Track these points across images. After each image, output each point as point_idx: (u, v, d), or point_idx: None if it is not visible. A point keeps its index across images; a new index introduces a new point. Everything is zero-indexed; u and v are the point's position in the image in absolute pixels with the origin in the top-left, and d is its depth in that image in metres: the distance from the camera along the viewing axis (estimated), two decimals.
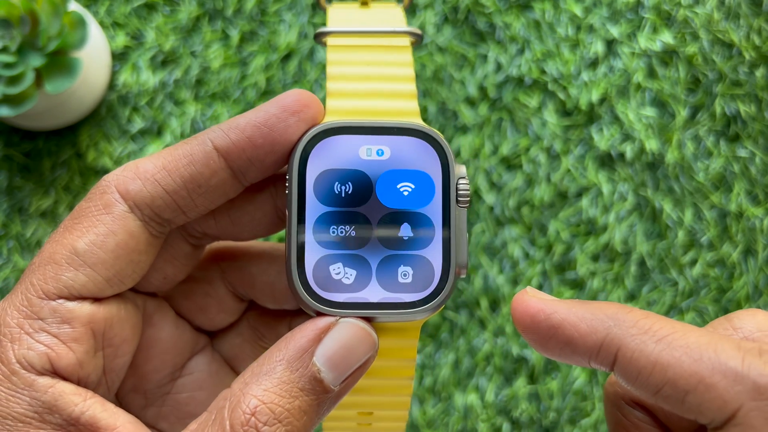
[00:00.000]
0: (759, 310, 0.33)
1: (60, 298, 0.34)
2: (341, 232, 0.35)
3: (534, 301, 0.33)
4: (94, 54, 0.64)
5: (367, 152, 0.35)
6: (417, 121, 0.36)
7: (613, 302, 0.32)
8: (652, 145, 0.65)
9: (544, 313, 0.32)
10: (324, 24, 0.66)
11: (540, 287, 0.64)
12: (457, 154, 0.65)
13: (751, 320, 0.33)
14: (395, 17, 0.39)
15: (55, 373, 0.33)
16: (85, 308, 0.34)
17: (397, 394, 0.38)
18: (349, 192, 0.35)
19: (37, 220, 0.65)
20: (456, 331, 0.64)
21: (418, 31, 0.38)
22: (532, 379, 0.64)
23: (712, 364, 0.29)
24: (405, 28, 0.38)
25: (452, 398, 0.64)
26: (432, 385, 0.64)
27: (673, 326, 0.30)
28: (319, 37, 0.38)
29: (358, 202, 0.35)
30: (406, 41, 0.38)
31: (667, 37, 0.66)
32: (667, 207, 0.64)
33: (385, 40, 0.38)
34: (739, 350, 0.29)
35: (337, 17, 0.39)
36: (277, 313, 0.42)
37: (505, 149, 0.65)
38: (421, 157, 0.35)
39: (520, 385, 0.64)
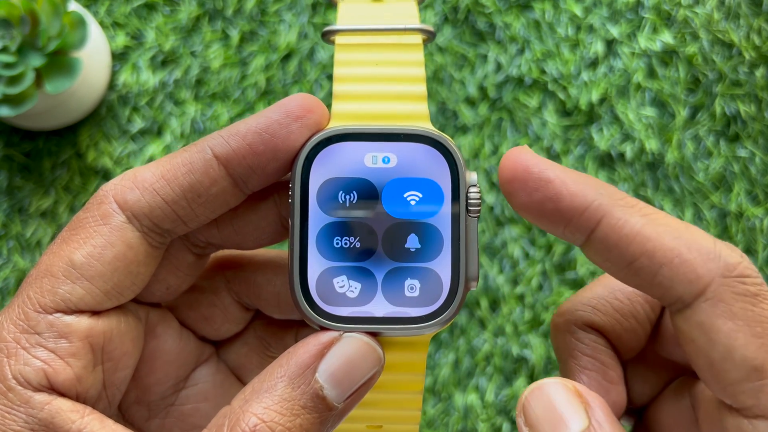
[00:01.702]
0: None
1: (57, 311, 0.33)
2: (345, 244, 0.34)
3: (531, 155, 0.33)
4: (94, 54, 0.64)
5: (372, 160, 0.34)
6: (426, 126, 0.34)
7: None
8: (652, 145, 0.65)
9: (539, 166, 0.32)
10: (326, 23, 0.66)
11: (540, 287, 0.64)
12: None
13: None
14: (408, 13, 0.37)
15: (53, 389, 0.32)
16: (83, 322, 0.33)
17: (406, 408, 0.37)
18: (354, 201, 0.34)
19: (37, 220, 0.65)
20: (456, 331, 0.64)
21: (431, 28, 0.36)
22: (532, 379, 0.64)
23: (690, 242, 0.31)
24: (417, 25, 0.36)
25: (452, 398, 0.64)
26: (432, 385, 0.64)
27: (657, 210, 0.32)
28: (326, 36, 0.36)
29: (363, 212, 0.34)
30: (418, 39, 0.36)
31: (667, 37, 0.66)
32: (667, 207, 0.64)
33: (396, 38, 0.36)
34: (713, 239, 0.31)
35: (347, 13, 0.37)
36: (284, 323, 0.41)
37: (505, 149, 0.65)
38: (429, 164, 0.34)
39: (520, 385, 0.64)
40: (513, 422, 0.63)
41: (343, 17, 0.37)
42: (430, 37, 0.36)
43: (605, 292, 0.37)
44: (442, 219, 0.34)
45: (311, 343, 0.33)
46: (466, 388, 0.64)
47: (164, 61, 0.67)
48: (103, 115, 0.66)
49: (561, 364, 0.37)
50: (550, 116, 0.66)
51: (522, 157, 0.33)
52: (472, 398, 0.64)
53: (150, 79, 0.66)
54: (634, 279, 0.32)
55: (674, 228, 0.31)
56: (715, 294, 0.30)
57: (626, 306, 0.37)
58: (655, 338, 0.38)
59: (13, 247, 0.65)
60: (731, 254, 0.31)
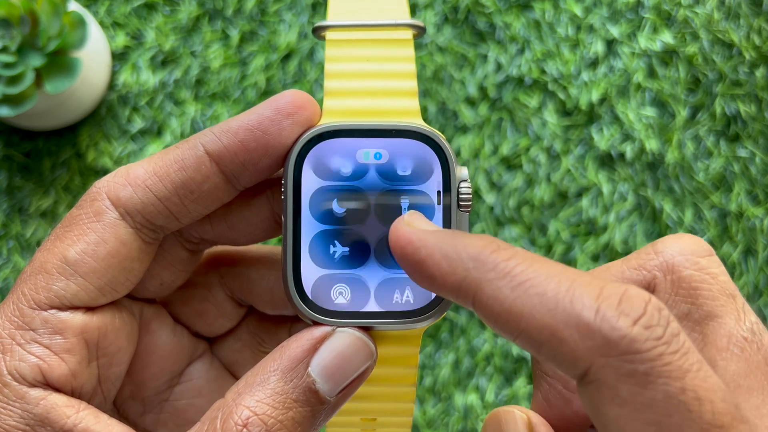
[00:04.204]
0: (686, 235, 0.32)
1: (52, 308, 0.33)
2: (338, 252, 0.34)
3: (407, 230, 0.30)
4: (94, 54, 0.64)
5: (365, 156, 0.34)
6: (417, 121, 0.35)
7: (485, 237, 0.29)
8: (652, 145, 0.65)
9: (413, 246, 0.30)
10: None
11: None
12: (457, 154, 0.65)
13: (674, 244, 0.32)
14: (398, 8, 0.37)
15: (48, 384, 0.32)
16: (77, 318, 0.33)
17: (400, 401, 0.37)
18: (346, 211, 0.34)
19: (37, 220, 0.65)
20: (456, 331, 0.64)
21: (421, 24, 0.36)
22: (532, 379, 0.64)
23: (567, 315, 0.26)
24: (407, 20, 0.36)
25: (452, 398, 0.64)
26: (432, 385, 0.64)
27: (537, 270, 0.27)
28: (317, 32, 0.36)
29: (356, 222, 0.34)
30: (409, 34, 0.36)
31: (667, 37, 0.66)
32: (667, 207, 0.64)
33: (387, 34, 0.36)
34: (597, 299, 0.26)
35: (338, 9, 0.37)
36: (277, 319, 0.41)
37: (505, 149, 0.65)
38: (420, 159, 0.34)
39: (520, 385, 0.64)
40: None
41: (334, 13, 0.37)
42: (420, 32, 0.36)
43: None
44: (434, 214, 0.34)
45: (304, 338, 0.33)
46: (466, 388, 0.64)
47: (164, 61, 0.67)
48: (103, 115, 0.66)
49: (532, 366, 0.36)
50: (550, 116, 0.66)
51: (397, 235, 0.31)
52: (472, 398, 0.64)
53: (150, 79, 0.66)
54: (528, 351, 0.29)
55: (550, 297, 0.27)
56: (597, 377, 0.26)
57: None
58: None
59: (13, 247, 0.65)
60: (615, 326, 0.26)
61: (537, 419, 0.32)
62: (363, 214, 0.34)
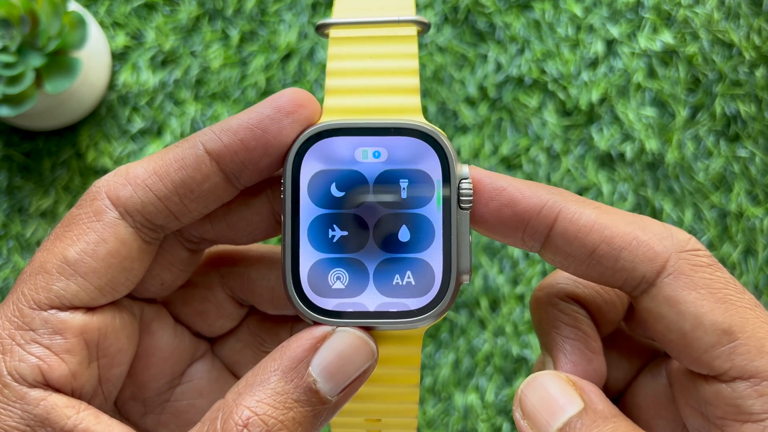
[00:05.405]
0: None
1: (52, 308, 0.33)
2: (337, 236, 0.34)
3: (479, 170, 0.34)
4: (94, 54, 0.64)
5: (363, 154, 0.34)
6: (418, 118, 0.34)
7: None
8: (652, 145, 0.65)
9: (490, 178, 0.34)
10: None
11: None
12: (457, 154, 0.65)
13: None
14: (404, 4, 0.37)
15: (48, 385, 0.32)
16: (77, 318, 0.33)
17: (403, 401, 0.37)
18: (345, 194, 0.34)
19: (37, 220, 0.65)
20: (456, 331, 0.64)
21: (425, 20, 0.36)
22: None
23: (643, 226, 0.33)
24: (412, 16, 0.36)
25: (452, 398, 0.64)
26: (432, 385, 0.64)
27: (607, 205, 0.34)
28: (321, 29, 0.36)
29: (355, 204, 0.34)
30: (412, 30, 0.36)
31: (667, 37, 0.66)
32: (667, 207, 0.64)
33: (390, 30, 0.36)
34: (661, 222, 0.34)
35: (343, 6, 0.37)
36: (279, 319, 0.41)
37: (505, 149, 0.65)
38: (419, 157, 0.34)
39: (520, 385, 0.64)
40: (513, 422, 0.63)
41: (339, 10, 0.37)
42: (424, 28, 0.36)
43: None
44: (433, 211, 0.34)
45: (304, 338, 0.33)
46: (466, 388, 0.64)
47: (164, 61, 0.67)
48: (103, 115, 0.66)
49: (542, 337, 0.37)
50: (550, 116, 0.66)
51: (475, 170, 0.34)
52: (472, 398, 0.64)
53: (150, 79, 0.66)
54: (596, 268, 0.33)
55: (625, 215, 0.33)
56: (676, 268, 0.32)
57: None
58: (629, 320, 0.39)
59: (13, 247, 0.65)
60: (681, 233, 0.33)
61: (572, 376, 0.35)
62: (362, 196, 0.34)
